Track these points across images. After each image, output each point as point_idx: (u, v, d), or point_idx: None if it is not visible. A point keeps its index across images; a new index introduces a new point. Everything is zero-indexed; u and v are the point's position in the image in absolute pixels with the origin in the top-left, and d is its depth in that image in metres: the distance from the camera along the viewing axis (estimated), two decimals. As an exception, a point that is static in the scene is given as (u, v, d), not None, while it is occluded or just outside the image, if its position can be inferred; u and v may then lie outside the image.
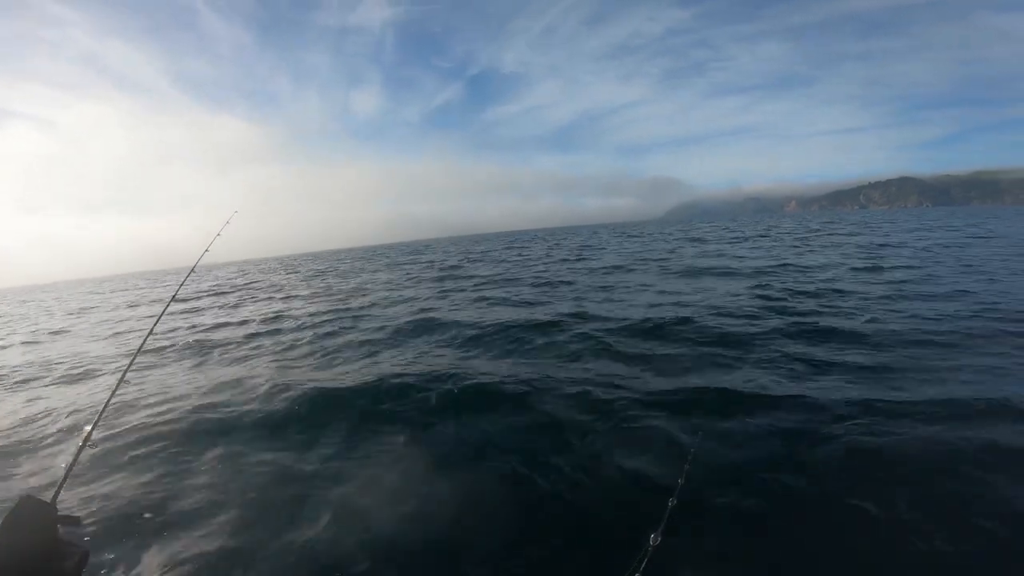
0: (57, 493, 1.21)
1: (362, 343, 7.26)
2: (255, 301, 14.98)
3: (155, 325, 2.31)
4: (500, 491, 3.11)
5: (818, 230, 30.13)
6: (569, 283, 12.24)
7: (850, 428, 3.39)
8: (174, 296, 2.62)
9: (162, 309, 2.39)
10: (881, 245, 16.89)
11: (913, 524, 2.47)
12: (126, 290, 32.12)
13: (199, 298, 17.40)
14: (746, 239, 24.65)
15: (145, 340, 2.16)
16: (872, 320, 6.21)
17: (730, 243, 22.60)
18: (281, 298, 15.01)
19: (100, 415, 1.59)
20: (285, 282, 22.07)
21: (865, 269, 11.04)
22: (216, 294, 18.65)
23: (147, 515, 3.06)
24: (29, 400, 5.99)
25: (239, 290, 19.47)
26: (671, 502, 1.81)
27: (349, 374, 5.62)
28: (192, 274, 2.84)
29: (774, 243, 21.00)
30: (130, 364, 1.94)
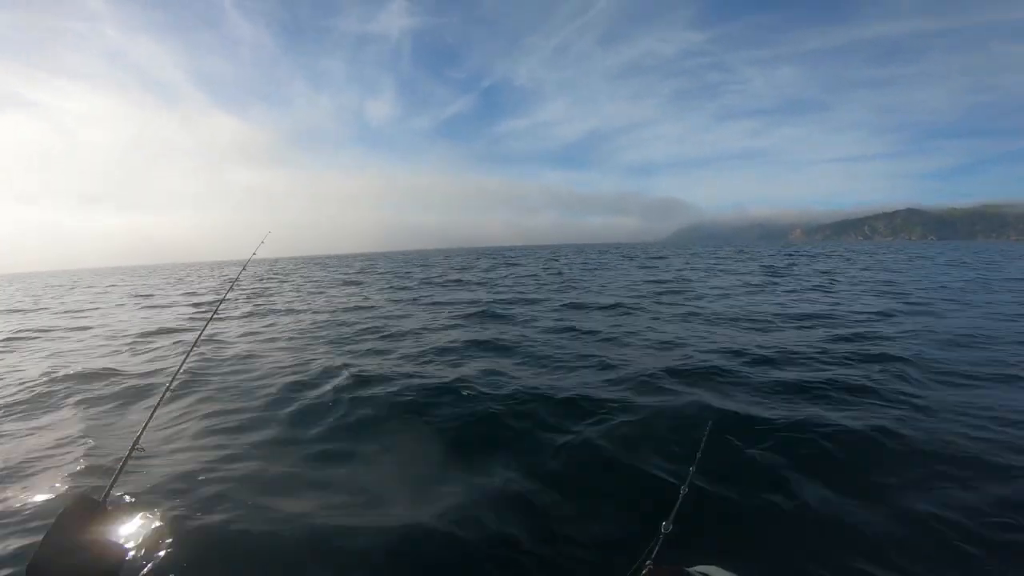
0: (107, 493, 1.26)
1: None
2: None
3: (199, 336, 2.41)
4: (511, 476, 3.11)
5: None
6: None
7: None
8: (212, 315, 2.89)
9: (206, 320, 2.70)
10: None
11: (926, 523, 2.49)
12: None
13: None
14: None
15: (192, 347, 2.27)
16: None
17: None
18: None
19: (148, 420, 1.68)
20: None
21: None
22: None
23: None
24: None
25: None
26: (683, 490, 1.80)
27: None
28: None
29: None
30: (176, 373, 2.07)
